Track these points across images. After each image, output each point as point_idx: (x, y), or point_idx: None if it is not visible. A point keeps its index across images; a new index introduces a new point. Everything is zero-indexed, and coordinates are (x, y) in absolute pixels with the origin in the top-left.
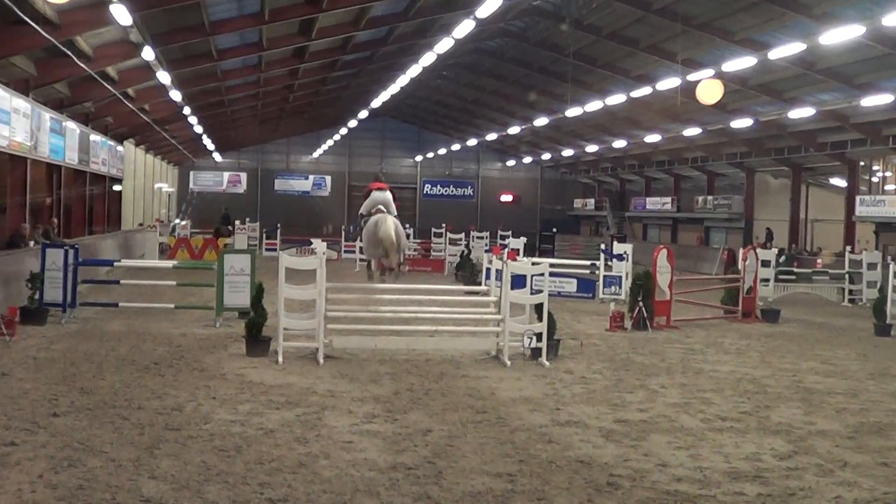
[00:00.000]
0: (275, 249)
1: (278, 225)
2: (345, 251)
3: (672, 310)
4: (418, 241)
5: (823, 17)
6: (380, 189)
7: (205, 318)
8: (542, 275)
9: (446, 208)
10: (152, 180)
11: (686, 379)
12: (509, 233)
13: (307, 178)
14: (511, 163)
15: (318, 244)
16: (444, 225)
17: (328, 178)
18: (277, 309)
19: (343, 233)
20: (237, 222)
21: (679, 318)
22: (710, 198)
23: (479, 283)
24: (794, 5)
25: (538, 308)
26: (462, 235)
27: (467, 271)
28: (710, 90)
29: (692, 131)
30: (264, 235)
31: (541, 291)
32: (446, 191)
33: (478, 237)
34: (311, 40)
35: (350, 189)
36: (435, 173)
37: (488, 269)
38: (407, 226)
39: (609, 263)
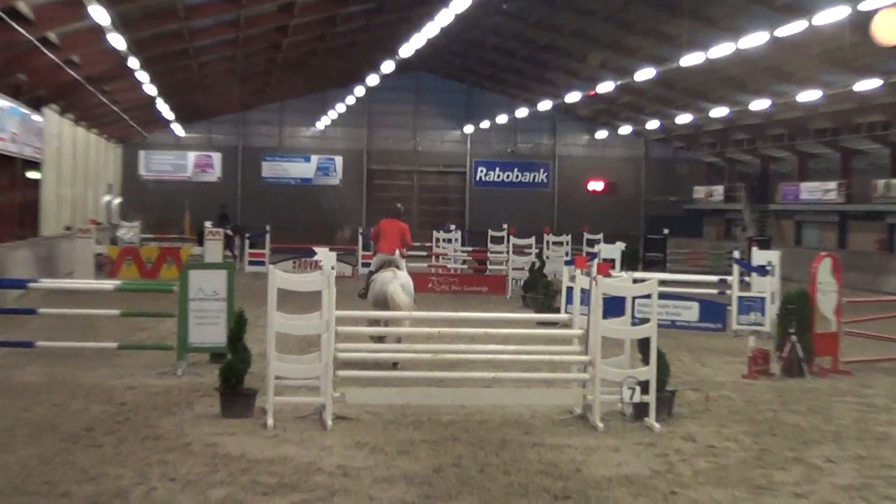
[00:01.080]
0: (262, 262)
1: (267, 228)
2: (362, 264)
3: (841, 347)
4: (468, 249)
5: None
6: (391, 231)
7: (161, 364)
8: (649, 297)
9: (508, 202)
10: (85, 164)
11: (864, 449)
12: (600, 237)
13: (309, 160)
14: (602, 135)
15: (325, 255)
16: (505, 226)
17: (339, 160)
18: (266, 349)
19: (360, 238)
20: (207, 224)
21: (852, 358)
22: (895, 182)
23: (557, 310)
24: None
25: (643, 345)
26: (532, 241)
27: (540, 293)
28: (892, 23)
29: (867, 84)
30: (247, 243)
31: (647, 321)
32: (508, 176)
33: (555, 243)
34: None
35: (370, 175)
36: (492, 151)
37: (570, 290)
38: (453, 228)
39: (746, 279)
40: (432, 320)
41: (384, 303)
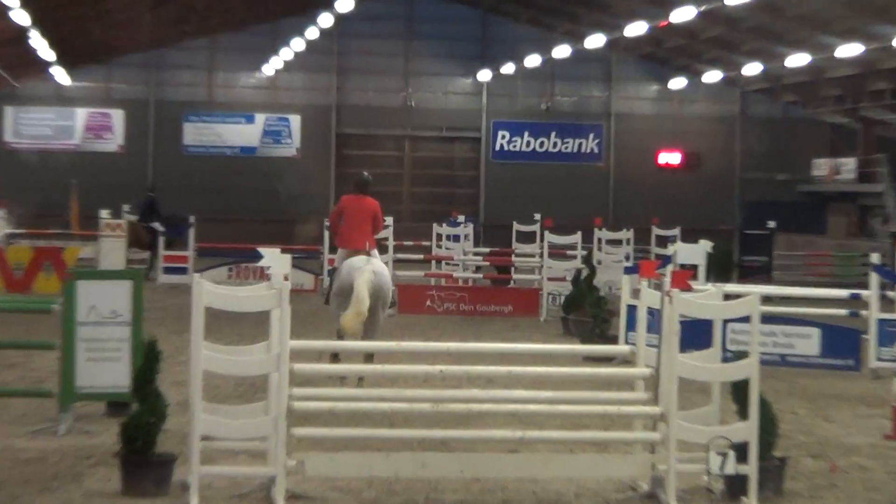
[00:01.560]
0: (184, 270)
1: (190, 219)
2: (329, 272)
3: None
4: (483, 251)
5: None
6: (357, 211)
7: (36, 417)
8: (748, 320)
9: (542, 181)
10: None
11: None
12: (676, 232)
13: (252, 121)
14: (679, 84)
15: (275, 258)
16: (537, 217)
17: (295, 121)
18: (189, 396)
19: (326, 233)
20: (104, 213)
21: None
22: None
23: (614, 339)
24: None
25: (739, 391)
26: (576, 238)
27: (589, 314)
28: None
29: None
30: (161, 240)
31: (746, 355)
32: (542, 145)
33: (610, 241)
34: None
35: (342, 143)
36: (518, 109)
37: (632, 310)
38: (462, 220)
39: (890, 294)
40: (432, 354)
41: (349, 297)
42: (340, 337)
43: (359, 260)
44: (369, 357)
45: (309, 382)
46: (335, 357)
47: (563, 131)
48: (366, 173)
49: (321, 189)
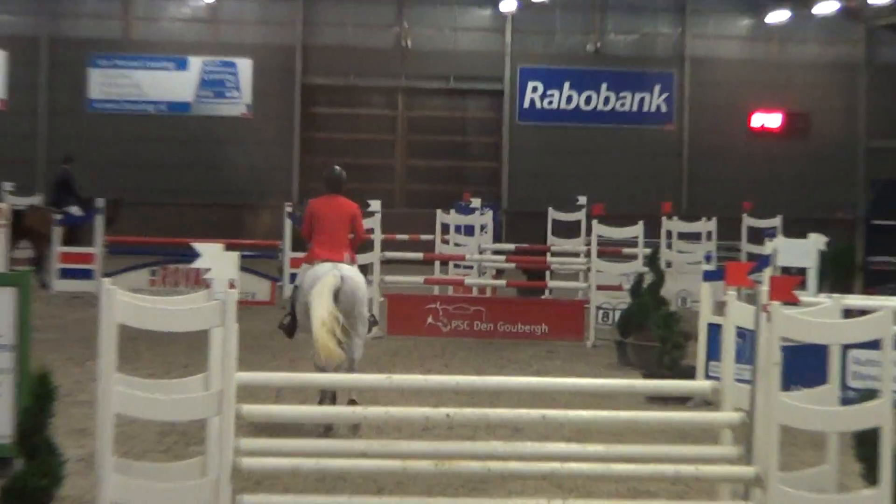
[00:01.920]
0: (89, 273)
1: (98, 201)
2: (291, 278)
3: None
4: (506, 248)
5: None
6: (330, 217)
7: None
8: (877, 345)
9: (590, 151)
10: None
11: None
12: (775, 222)
13: (184, 66)
14: (778, 16)
15: (217, 258)
16: (581, 201)
17: (245, 67)
18: (96, 449)
19: (288, 222)
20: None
21: None
22: None
23: (690, 372)
24: None
25: (863, 445)
26: (637, 230)
27: (653, 335)
28: None
29: None
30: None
31: (874, 396)
32: (589, 100)
33: (683, 235)
34: None
35: (309, 97)
36: (556, 51)
37: (714, 330)
38: (478, 206)
39: None
40: (435, 391)
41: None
42: (321, 371)
43: (322, 267)
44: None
45: (264, 431)
46: (326, 399)
47: (617, 82)
48: (337, 167)
49: (281, 161)
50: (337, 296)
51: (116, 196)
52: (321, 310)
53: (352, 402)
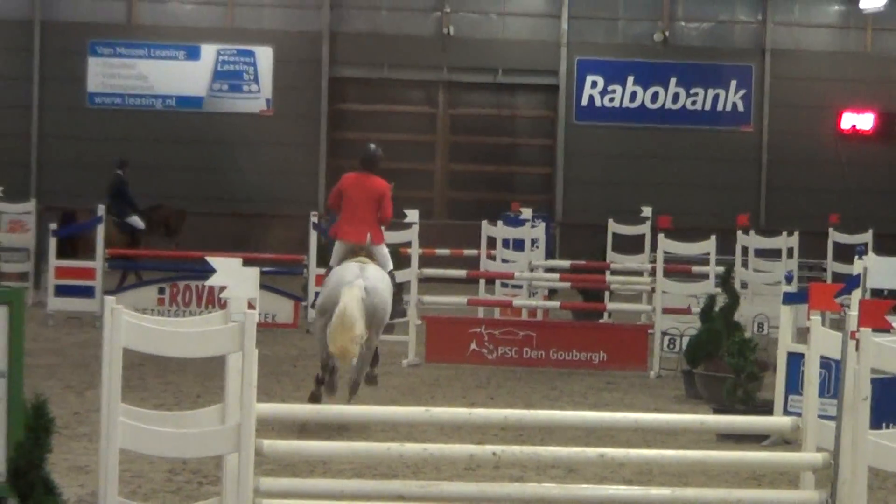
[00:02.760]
0: (90, 290)
1: (100, 209)
2: (317, 296)
3: None
4: (560, 265)
5: None
6: (360, 193)
7: None
8: None
9: (656, 155)
10: None
11: None
12: (866, 238)
13: (195, 55)
14: (871, 3)
15: (234, 274)
16: (646, 212)
17: (264, 57)
18: (98, 489)
19: (315, 235)
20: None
21: None
22: None
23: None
24: None
25: None
26: (709, 246)
27: (726, 365)
28: None
29: None
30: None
31: None
32: (655, 97)
33: (761, 252)
34: None
35: (338, 92)
36: (619, 40)
37: (795, 361)
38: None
39: None
40: (479, 426)
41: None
42: (324, 366)
43: (350, 271)
44: (353, 387)
45: (287, 469)
46: (320, 390)
47: (688, 76)
48: (373, 145)
49: (305, 164)
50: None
51: (179, 205)
52: (347, 320)
53: (371, 380)
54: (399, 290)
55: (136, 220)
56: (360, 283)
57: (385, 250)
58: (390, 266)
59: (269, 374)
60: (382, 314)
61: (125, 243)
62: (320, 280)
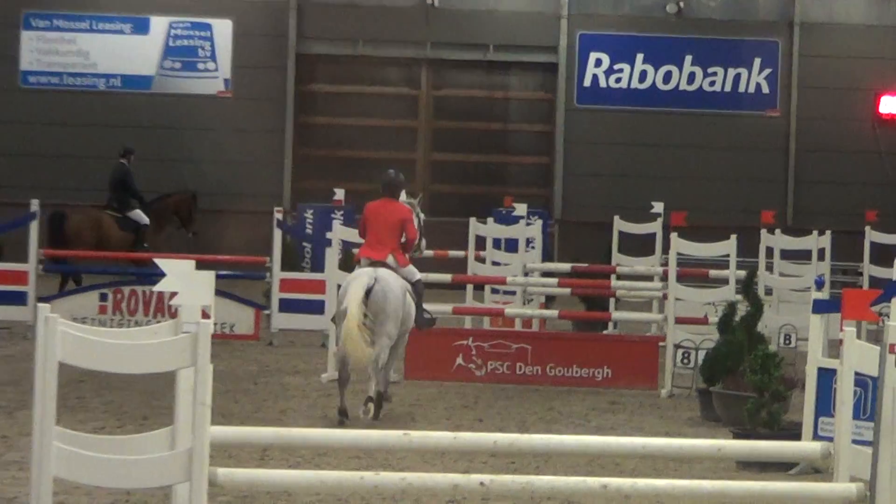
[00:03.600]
0: (21, 296)
1: (33, 204)
2: (281, 305)
3: None
4: (559, 269)
5: None
6: (381, 218)
7: None
8: None
9: (669, 144)
10: None
11: None
12: None
13: (144, 28)
14: None
15: (186, 278)
16: (657, 208)
17: (222, 30)
18: None
19: (279, 233)
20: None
21: None
22: None
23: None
24: None
25: None
26: (729, 247)
27: (748, 382)
28: None
29: None
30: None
31: None
32: (669, 77)
33: (788, 254)
34: None
35: (304, 69)
36: (626, 12)
37: (827, 378)
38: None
39: None
40: (466, 452)
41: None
42: (341, 367)
43: (361, 271)
44: (377, 398)
45: (245, 502)
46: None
47: (706, 54)
48: (392, 170)
49: (269, 153)
50: (368, 294)
51: (188, 189)
52: (353, 305)
53: (369, 401)
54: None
55: (140, 215)
56: (369, 272)
57: (411, 270)
58: (416, 277)
59: (226, 393)
60: (395, 307)
61: (129, 242)
62: (285, 285)
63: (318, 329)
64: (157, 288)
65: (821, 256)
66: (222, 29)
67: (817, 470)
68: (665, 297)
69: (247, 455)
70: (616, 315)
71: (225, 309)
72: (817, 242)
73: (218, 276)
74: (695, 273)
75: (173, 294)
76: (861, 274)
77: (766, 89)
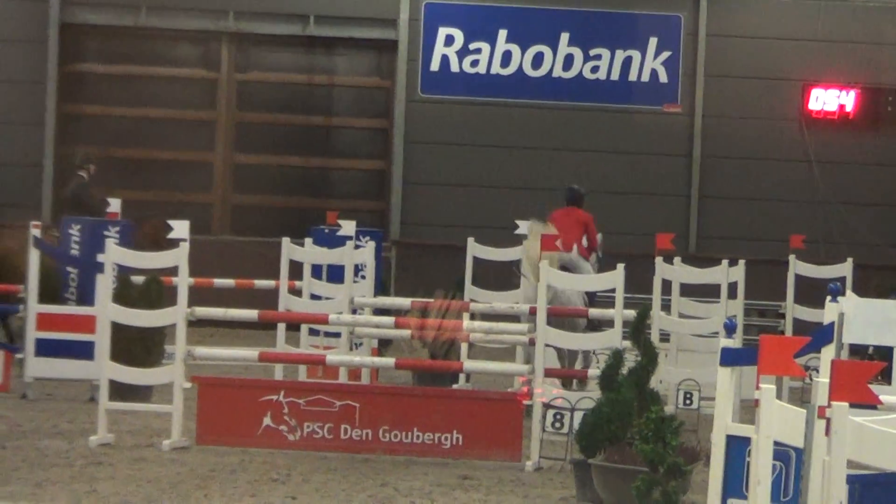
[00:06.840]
0: None
1: None
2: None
3: None
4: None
5: None
6: (564, 222)
7: None
8: None
9: (535, 149)
10: None
11: None
12: (843, 269)
13: None
14: None
15: None
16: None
17: None
18: None
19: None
20: None
21: None
22: None
23: None
24: None
25: None
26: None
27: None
28: None
29: None
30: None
31: None
32: (539, 60)
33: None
34: None
35: (70, 43)
36: None
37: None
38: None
39: None
40: None
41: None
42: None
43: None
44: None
45: None
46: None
47: (587, 31)
48: (575, 185)
49: (25, 154)
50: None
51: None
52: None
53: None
54: (592, 298)
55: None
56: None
57: (588, 265)
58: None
59: None
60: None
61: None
62: (44, 322)
63: (86, 379)
64: None
65: (732, 293)
66: None
67: None
68: (532, 342)
69: None
70: (469, 365)
71: None
72: (727, 275)
73: None
74: (570, 312)
75: None
76: (783, 316)
77: (663, 78)
